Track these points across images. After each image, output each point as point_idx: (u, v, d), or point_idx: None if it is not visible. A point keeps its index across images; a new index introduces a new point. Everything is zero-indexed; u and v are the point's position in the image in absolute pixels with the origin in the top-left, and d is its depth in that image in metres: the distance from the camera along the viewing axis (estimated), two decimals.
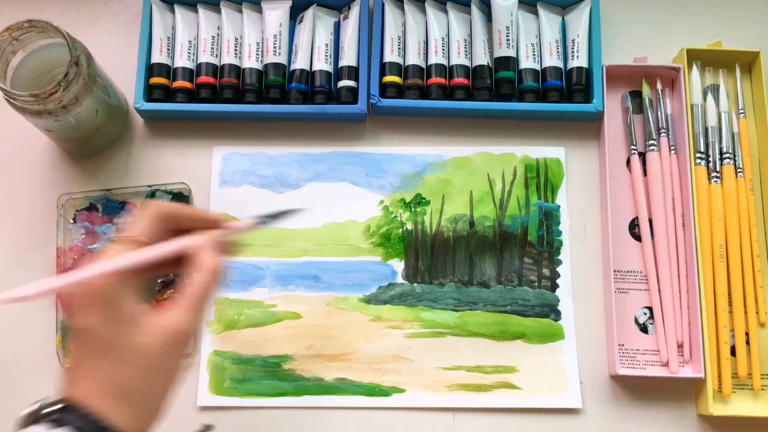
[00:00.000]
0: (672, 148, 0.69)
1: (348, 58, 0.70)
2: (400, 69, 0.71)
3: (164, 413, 0.45)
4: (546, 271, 0.68)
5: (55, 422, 0.41)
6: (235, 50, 0.71)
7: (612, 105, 0.71)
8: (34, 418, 0.42)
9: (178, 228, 0.47)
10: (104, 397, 0.42)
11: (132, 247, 0.44)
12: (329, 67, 0.71)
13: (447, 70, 0.71)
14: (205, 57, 0.70)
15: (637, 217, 0.68)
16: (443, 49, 0.71)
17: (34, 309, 0.67)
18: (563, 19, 0.73)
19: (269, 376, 0.66)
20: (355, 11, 0.72)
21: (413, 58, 0.70)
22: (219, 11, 0.72)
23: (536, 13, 0.72)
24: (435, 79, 0.70)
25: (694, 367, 0.64)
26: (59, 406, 0.42)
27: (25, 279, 0.67)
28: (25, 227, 0.69)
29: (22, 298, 0.41)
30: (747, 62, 0.72)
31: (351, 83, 0.70)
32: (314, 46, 0.71)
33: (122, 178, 0.70)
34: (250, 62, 0.70)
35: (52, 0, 0.75)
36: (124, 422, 0.42)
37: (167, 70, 0.71)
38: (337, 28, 0.73)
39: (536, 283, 0.68)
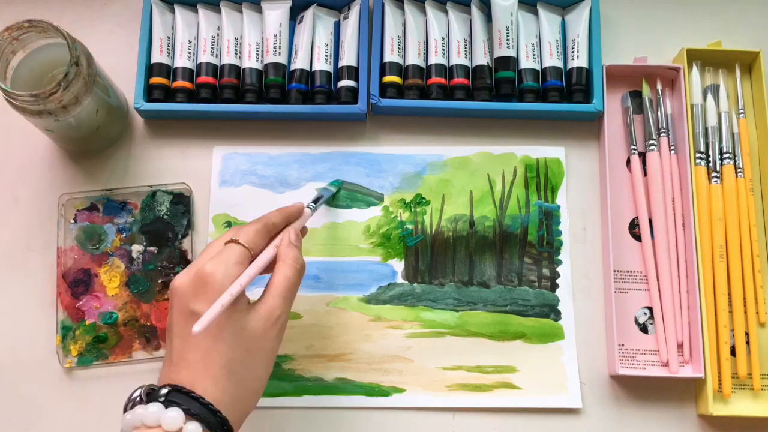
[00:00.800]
0: (672, 148, 0.69)
1: (348, 58, 0.70)
2: (400, 69, 0.71)
3: (259, 397, 0.50)
4: (546, 271, 0.68)
5: (163, 404, 0.45)
6: (235, 50, 0.71)
7: (612, 105, 0.71)
8: (146, 399, 0.46)
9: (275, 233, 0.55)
10: (212, 378, 0.47)
11: (244, 258, 0.51)
12: (329, 67, 0.71)
13: (447, 70, 0.71)
14: (205, 57, 0.70)
15: (637, 217, 0.68)
16: (443, 49, 0.71)
17: (34, 309, 0.67)
18: (563, 19, 0.73)
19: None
20: (355, 11, 0.72)
21: (413, 58, 0.70)
22: (219, 11, 0.72)
23: (536, 13, 0.72)
24: (435, 79, 0.70)
25: (694, 367, 0.64)
26: (165, 390, 0.46)
27: (25, 279, 0.67)
28: (25, 227, 0.69)
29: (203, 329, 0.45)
30: (747, 62, 0.72)
31: (351, 83, 0.70)
32: (314, 46, 0.71)
33: (122, 178, 0.70)
34: (250, 62, 0.70)
35: (52, 0, 0.75)
36: (230, 402, 0.47)
37: (167, 70, 0.71)
38: (337, 28, 0.73)
39: (536, 283, 0.68)
